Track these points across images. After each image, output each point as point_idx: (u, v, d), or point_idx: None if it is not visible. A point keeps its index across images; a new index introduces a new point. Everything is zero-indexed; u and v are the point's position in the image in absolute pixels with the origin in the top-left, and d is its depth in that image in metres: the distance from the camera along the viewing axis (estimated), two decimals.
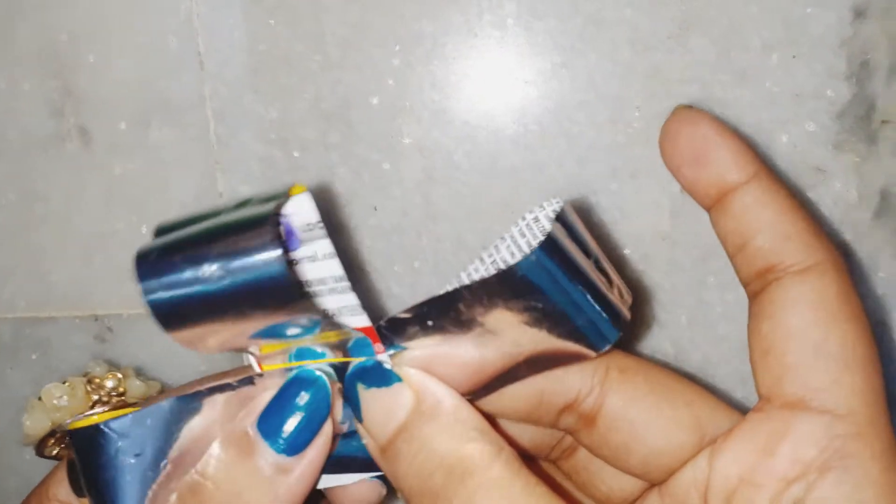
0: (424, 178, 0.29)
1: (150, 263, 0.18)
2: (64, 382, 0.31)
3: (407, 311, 0.19)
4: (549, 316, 0.18)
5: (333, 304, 0.20)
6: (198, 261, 0.17)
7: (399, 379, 0.19)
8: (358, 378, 0.20)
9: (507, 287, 0.18)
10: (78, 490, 0.22)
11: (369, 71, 0.29)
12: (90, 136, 0.31)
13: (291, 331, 0.19)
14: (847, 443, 0.18)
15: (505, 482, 0.17)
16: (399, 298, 0.31)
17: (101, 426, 0.20)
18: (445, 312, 0.19)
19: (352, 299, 0.20)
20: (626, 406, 0.21)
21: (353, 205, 0.30)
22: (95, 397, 0.31)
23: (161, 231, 0.19)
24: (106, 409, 0.25)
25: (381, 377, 0.20)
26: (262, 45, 0.29)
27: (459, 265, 0.30)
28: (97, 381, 0.30)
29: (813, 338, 0.19)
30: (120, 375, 0.31)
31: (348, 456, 0.22)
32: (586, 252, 0.20)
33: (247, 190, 0.31)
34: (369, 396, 0.19)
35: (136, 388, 0.31)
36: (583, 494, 0.23)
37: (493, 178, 0.29)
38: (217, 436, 0.20)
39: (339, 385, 0.20)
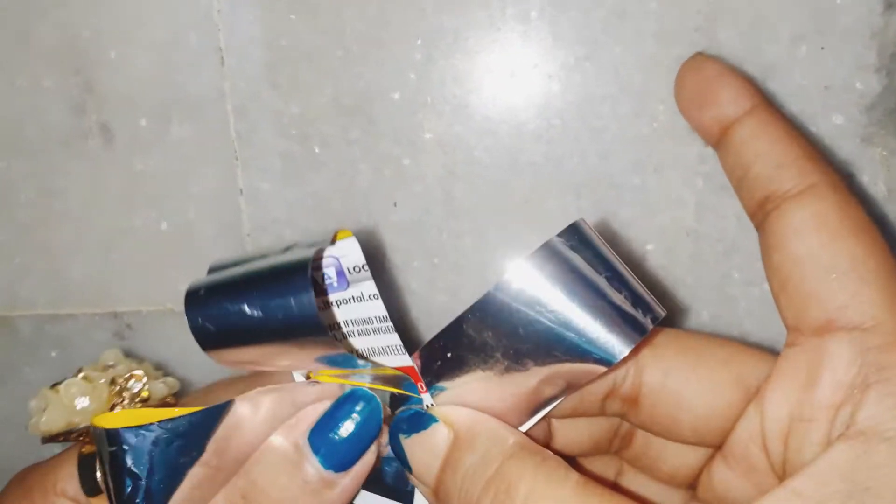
0: (445, 173, 0.29)
1: (198, 298, 0.20)
2: (79, 373, 0.31)
3: (424, 347, 0.20)
4: (544, 337, 0.19)
5: (377, 343, 0.21)
6: (240, 300, 0.19)
7: (436, 420, 0.20)
8: (398, 430, 0.20)
9: (495, 310, 0.19)
10: (89, 488, 0.22)
11: (390, 66, 0.29)
12: (111, 132, 0.31)
13: (342, 361, 0.20)
14: (881, 355, 0.17)
15: (553, 485, 0.17)
16: (418, 295, 0.31)
17: (130, 429, 0.20)
18: (457, 339, 0.19)
19: (394, 339, 0.21)
20: (664, 379, 0.21)
21: (374, 201, 0.30)
22: (118, 400, 0.31)
23: (213, 269, 0.21)
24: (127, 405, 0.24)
25: (418, 423, 0.20)
26: (282, 40, 0.29)
27: (479, 262, 0.30)
28: (120, 381, 0.30)
29: (823, 260, 0.19)
30: (144, 378, 0.30)
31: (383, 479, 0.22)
32: (597, 269, 0.20)
33: (267, 186, 0.30)
34: (411, 443, 0.20)
35: (157, 389, 0.31)
36: (651, 478, 0.23)
37: (514, 174, 0.29)
38: (262, 433, 0.20)
39: (388, 410, 0.21)
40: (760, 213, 0.20)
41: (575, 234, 0.20)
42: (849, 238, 0.19)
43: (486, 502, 0.18)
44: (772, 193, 0.20)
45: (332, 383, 0.21)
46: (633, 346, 0.19)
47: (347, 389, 0.21)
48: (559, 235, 0.20)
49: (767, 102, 0.21)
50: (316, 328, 0.18)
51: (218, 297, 0.20)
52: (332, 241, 0.21)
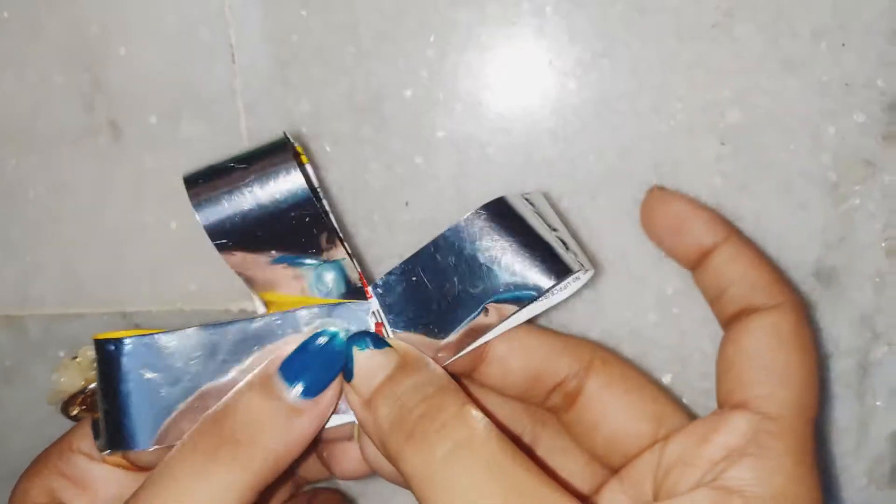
0: (458, 172, 0.29)
1: (198, 183, 0.23)
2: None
3: (397, 268, 0.24)
4: (494, 261, 0.23)
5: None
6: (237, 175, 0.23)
7: (389, 345, 0.23)
8: (353, 342, 0.23)
9: (463, 237, 0.23)
10: (101, 442, 0.24)
11: (403, 62, 0.28)
12: (120, 129, 0.31)
13: (305, 262, 0.24)
14: (768, 438, 0.21)
15: (474, 420, 0.21)
16: None
17: (125, 339, 0.22)
18: (426, 262, 0.24)
19: (346, 249, 0.24)
20: (600, 389, 0.25)
21: (385, 199, 0.29)
22: None
23: (188, 179, 0.23)
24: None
25: (374, 342, 0.23)
26: (293, 37, 0.29)
27: None
28: None
29: (765, 360, 0.22)
30: None
31: None
32: (549, 225, 0.24)
33: None
34: (362, 356, 0.23)
35: None
36: (567, 448, 0.26)
37: (529, 173, 0.28)
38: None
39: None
40: (732, 323, 0.24)
41: (537, 198, 0.25)
42: (792, 351, 0.22)
43: (419, 412, 0.21)
44: (744, 308, 0.23)
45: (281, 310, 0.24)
46: (555, 282, 0.23)
47: (318, 330, 0.23)
48: (523, 195, 0.25)
49: (737, 230, 0.25)
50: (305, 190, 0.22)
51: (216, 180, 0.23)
52: (303, 174, 0.23)
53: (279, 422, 0.22)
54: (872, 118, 0.26)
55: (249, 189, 0.22)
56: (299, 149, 0.24)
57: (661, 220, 0.25)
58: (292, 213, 0.22)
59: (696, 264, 0.25)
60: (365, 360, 0.22)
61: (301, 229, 0.23)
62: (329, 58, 0.29)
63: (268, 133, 0.30)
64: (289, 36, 0.29)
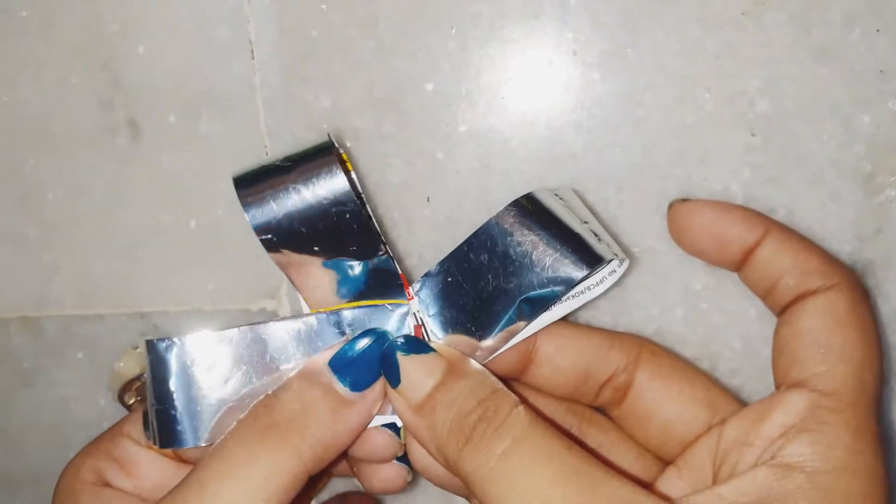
0: (480, 167, 0.28)
1: (247, 183, 0.24)
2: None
3: (434, 269, 0.24)
4: (526, 255, 0.23)
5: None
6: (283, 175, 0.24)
7: (434, 350, 0.23)
8: (397, 347, 0.23)
9: (495, 234, 0.24)
10: (150, 434, 0.24)
11: (424, 56, 0.28)
12: (139, 128, 0.31)
13: (348, 263, 0.25)
14: (826, 413, 0.21)
15: (529, 418, 0.21)
16: None
17: (174, 339, 0.23)
18: (460, 262, 0.24)
19: (388, 250, 0.25)
20: (651, 379, 0.25)
21: (406, 196, 0.29)
22: None
23: (238, 180, 0.24)
24: None
25: (417, 347, 0.23)
26: (313, 32, 0.28)
27: None
28: None
29: (819, 338, 0.22)
30: None
31: None
32: (577, 216, 0.25)
33: None
34: (408, 361, 0.23)
35: None
36: (617, 440, 0.26)
37: (552, 167, 0.28)
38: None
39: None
40: (787, 311, 0.24)
41: (566, 193, 0.26)
42: (847, 327, 0.22)
43: (476, 416, 0.21)
44: (799, 295, 0.23)
45: (326, 311, 0.24)
46: (587, 272, 0.23)
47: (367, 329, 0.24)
48: (551, 190, 0.25)
49: (775, 221, 0.24)
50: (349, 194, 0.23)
51: (262, 181, 0.24)
52: (345, 174, 0.24)
53: (328, 411, 0.22)
54: None
55: (294, 187, 0.23)
56: (344, 156, 0.25)
57: (696, 234, 0.25)
58: (333, 210, 0.23)
59: (740, 265, 0.25)
60: (412, 365, 0.23)
61: (343, 229, 0.24)
62: (349, 52, 0.28)
63: (287, 130, 0.29)
64: (308, 31, 0.28)
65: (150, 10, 0.30)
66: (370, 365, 0.23)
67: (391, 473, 0.25)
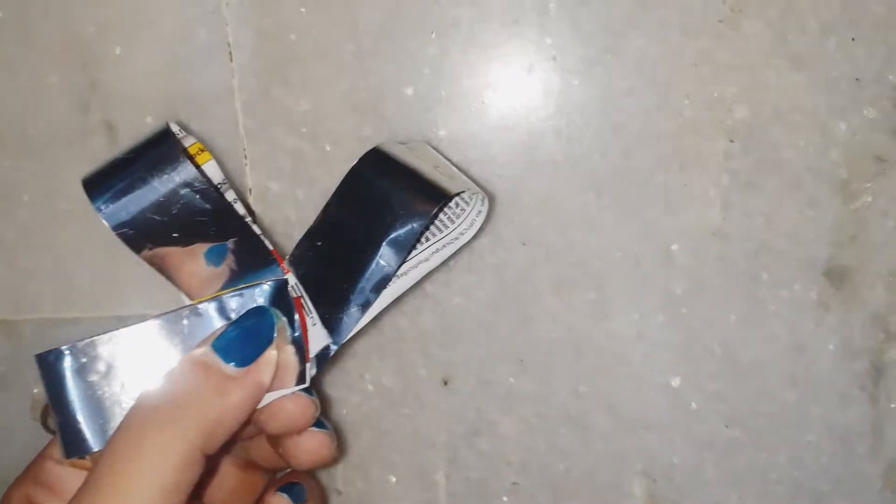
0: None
1: (95, 183, 0.24)
2: None
3: (302, 239, 0.25)
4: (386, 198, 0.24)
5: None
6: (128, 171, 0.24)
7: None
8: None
9: (353, 186, 0.25)
10: (61, 451, 0.24)
11: (404, 60, 0.28)
12: (116, 130, 0.30)
13: (219, 251, 0.25)
14: None
15: None
16: (432, 297, 0.30)
17: (63, 348, 0.23)
18: (324, 225, 0.25)
19: (258, 229, 0.25)
20: None
21: None
22: None
23: (86, 182, 0.24)
24: None
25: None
26: (292, 35, 0.28)
27: (497, 263, 0.29)
28: None
29: None
30: None
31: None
32: (433, 164, 0.25)
33: (275, 186, 0.30)
34: None
35: None
36: None
37: (532, 172, 0.28)
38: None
39: (285, 320, 0.24)
40: None
41: (417, 145, 0.26)
42: None
43: None
44: None
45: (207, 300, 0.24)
46: (439, 205, 0.24)
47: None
48: (400, 142, 0.26)
49: None
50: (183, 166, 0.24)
51: (111, 180, 0.24)
52: (188, 157, 0.24)
53: (211, 389, 0.22)
54: (883, 113, 0.26)
55: (141, 177, 0.24)
56: (199, 146, 0.25)
57: None
58: (182, 192, 0.24)
59: None
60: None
61: (198, 210, 0.24)
62: (328, 56, 0.28)
63: (265, 133, 0.29)
64: (287, 34, 0.28)
65: (127, 11, 0.29)
66: (254, 340, 0.23)
67: (314, 442, 0.25)
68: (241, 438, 0.27)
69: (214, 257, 0.25)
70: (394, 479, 0.31)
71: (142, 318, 0.32)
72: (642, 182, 0.27)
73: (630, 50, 0.26)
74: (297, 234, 0.30)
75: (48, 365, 0.23)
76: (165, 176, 0.24)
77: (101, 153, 0.30)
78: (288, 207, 0.30)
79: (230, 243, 0.25)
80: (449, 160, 0.27)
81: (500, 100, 0.28)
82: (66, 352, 0.23)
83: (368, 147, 0.28)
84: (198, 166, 0.24)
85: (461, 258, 0.29)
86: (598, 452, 0.30)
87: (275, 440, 0.26)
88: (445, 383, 0.30)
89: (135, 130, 0.30)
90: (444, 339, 0.30)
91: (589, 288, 0.28)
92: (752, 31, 0.26)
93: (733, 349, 0.28)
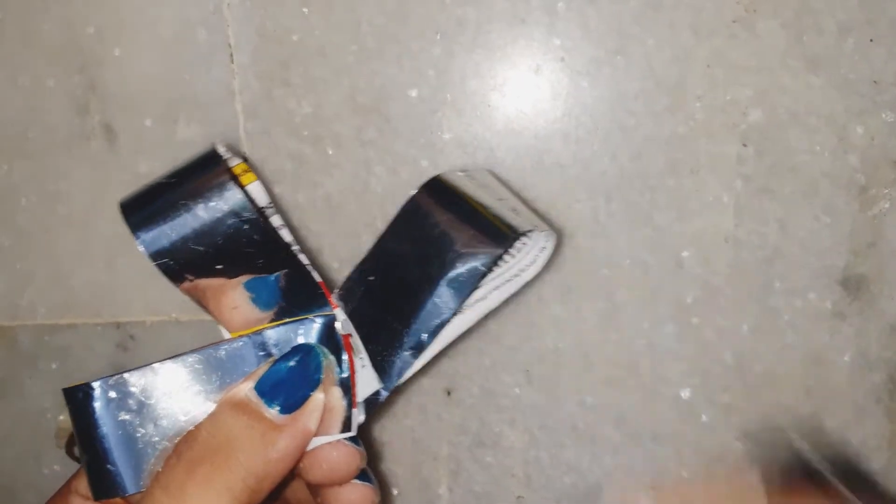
0: (465, 176, 0.28)
1: (134, 208, 0.22)
2: None
3: (354, 272, 0.23)
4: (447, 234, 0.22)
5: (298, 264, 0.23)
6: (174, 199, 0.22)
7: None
8: None
9: (410, 220, 0.23)
10: (92, 493, 0.23)
11: (408, 62, 0.27)
12: (115, 133, 0.30)
13: (265, 283, 0.23)
14: None
15: None
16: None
17: (93, 383, 0.21)
18: (378, 258, 0.23)
19: (306, 259, 0.23)
20: None
21: (389, 204, 0.28)
22: None
23: (125, 206, 0.23)
24: None
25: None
26: (294, 36, 0.28)
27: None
28: None
29: None
30: None
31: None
32: (491, 194, 0.24)
33: (277, 189, 0.29)
34: None
35: None
36: None
37: (539, 176, 0.27)
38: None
39: (333, 359, 0.23)
40: None
41: (479, 173, 0.25)
42: None
43: None
44: None
45: (245, 334, 0.23)
46: (506, 246, 0.22)
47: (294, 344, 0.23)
48: (461, 171, 0.24)
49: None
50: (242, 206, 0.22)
51: (155, 205, 0.22)
52: (234, 180, 0.22)
53: (257, 438, 0.21)
54: None
55: (184, 204, 0.22)
56: (243, 166, 0.23)
57: None
58: (230, 223, 0.22)
59: None
60: None
61: (245, 241, 0.22)
62: (331, 57, 0.27)
63: (267, 136, 0.29)
64: (289, 35, 0.28)
65: (127, 12, 0.29)
66: (300, 383, 0.22)
67: (356, 496, 0.24)
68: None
69: (262, 294, 0.23)
70: (396, 492, 0.30)
71: (139, 326, 0.31)
72: (652, 187, 0.26)
73: (640, 51, 0.26)
74: (298, 236, 0.29)
75: (77, 402, 0.21)
76: (212, 204, 0.22)
77: (100, 156, 0.30)
78: (289, 212, 0.29)
79: (277, 276, 0.23)
80: (511, 190, 0.25)
81: (507, 102, 0.27)
82: (97, 387, 0.21)
83: (371, 152, 0.28)
84: (243, 188, 0.22)
85: None
86: (605, 466, 0.29)
87: (314, 487, 0.24)
88: (449, 393, 0.29)
89: (134, 133, 0.29)
90: (447, 347, 0.29)
91: (597, 296, 0.27)
92: (767, 32, 0.25)
93: (745, 360, 0.27)
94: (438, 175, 0.23)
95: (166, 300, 0.31)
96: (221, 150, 0.23)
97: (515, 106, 0.27)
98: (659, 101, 0.26)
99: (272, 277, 0.23)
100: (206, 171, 0.22)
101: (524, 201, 0.25)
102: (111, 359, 0.32)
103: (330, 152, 0.28)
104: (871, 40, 0.25)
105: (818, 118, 0.25)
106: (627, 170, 0.26)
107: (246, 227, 0.22)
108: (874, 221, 0.26)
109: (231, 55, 0.28)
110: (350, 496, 0.23)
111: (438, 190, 0.23)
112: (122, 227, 0.30)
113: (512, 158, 0.27)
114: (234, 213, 0.22)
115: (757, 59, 0.25)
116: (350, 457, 0.23)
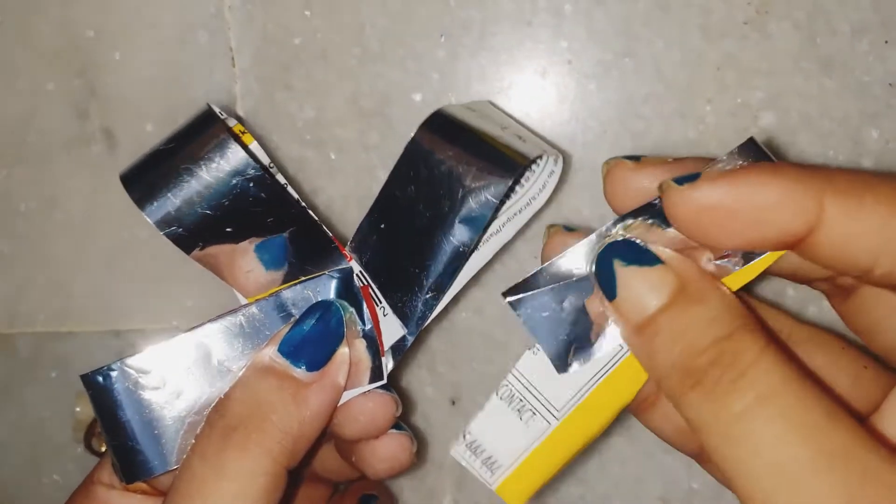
0: None
1: (135, 178, 0.22)
2: None
3: (363, 222, 0.23)
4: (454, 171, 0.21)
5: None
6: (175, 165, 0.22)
7: (661, 262, 0.19)
8: (615, 254, 0.19)
9: (414, 161, 0.22)
10: (117, 472, 0.23)
11: (412, 64, 0.27)
12: (115, 138, 0.29)
13: (277, 242, 0.23)
14: None
15: (776, 368, 0.16)
16: (440, 313, 0.28)
17: (112, 365, 0.21)
18: (387, 205, 0.23)
19: (312, 216, 0.23)
20: (878, 294, 0.19)
21: None
22: None
23: (125, 178, 0.22)
24: None
25: (642, 256, 0.19)
26: (296, 39, 0.27)
27: (507, 275, 0.28)
28: None
29: None
30: None
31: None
32: (494, 122, 0.23)
33: None
34: (629, 272, 0.19)
35: None
36: (863, 340, 0.21)
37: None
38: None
39: (353, 311, 0.22)
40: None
41: (480, 105, 0.24)
42: None
43: (705, 360, 0.17)
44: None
45: (263, 297, 0.22)
46: (517, 174, 0.21)
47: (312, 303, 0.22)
48: (462, 104, 0.23)
49: (838, 177, 0.17)
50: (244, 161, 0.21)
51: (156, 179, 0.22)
52: (235, 138, 0.22)
53: (288, 399, 0.21)
54: None
55: (186, 167, 0.21)
56: (240, 127, 0.23)
57: (711, 232, 0.18)
58: (235, 182, 0.21)
59: (794, 245, 0.18)
60: (632, 277, 0.19)
61: (252, 200, 0.22)
62: (333, 60, 0.27)
63: (269, 140, 0.28)
64: (291, 38, 0.27)
65: (127, 15, 0.28)
66: (323, 340, 0.21)
67: (393, 446, 0.23)
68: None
69: (272, 254, 0.23)
70: (400, 502, 0.30)
71: (140, 334, 0.31)
72: None
73: (649, 53, 0.25)
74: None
75: (97, 386, 0.21)
76: (214, 164, 0.21)
77: (100, 161, 0.29)
78: None
79: (287, 234, 0.23)
80: (514, 118, 0.24)
81: (513, 105, 0.26)
82: (116, 368, 0.21)
83: (375, 157, 0.27)
84: (245, 147, 0.22)
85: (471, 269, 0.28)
86: (614, 477, 0.28)
87: (346, 448, 0.24)
88: (453, 403, 0.29)
89: (134, 138, 0.29)
90: (452, 356, 0.28)
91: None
92: (779, 34, 0.24)
93: None
94: (438, 110, 0.22)
95: (166, 308, 0.31)
96: (216, 109, 0.23)
97: (521, 109, 0.26)
98: (668, 104, 0.25)
99: (282, 236, 0.23)
100: (204, 131, 0.22)
101: (528, 128, 0.24)
102: None
103: (332, 157, 0.28)
104: (886, 42, 0.24)
105: (831, 121, 0.25)
106: None
107: (252, 185, 0.21)
108: None
109: (232, 58, 0.28)
110: (388, 447, 0.23)
111: (439, 125, 0.22)
112: (121, 234, 0.30)
113: None
114: (238, 172, 0.21)
115: (769, 61, 0.25)
116: (385, 405, 0.22)
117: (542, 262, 0.21)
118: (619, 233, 0.19)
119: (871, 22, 0.24)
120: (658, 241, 0.19)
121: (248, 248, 0.23)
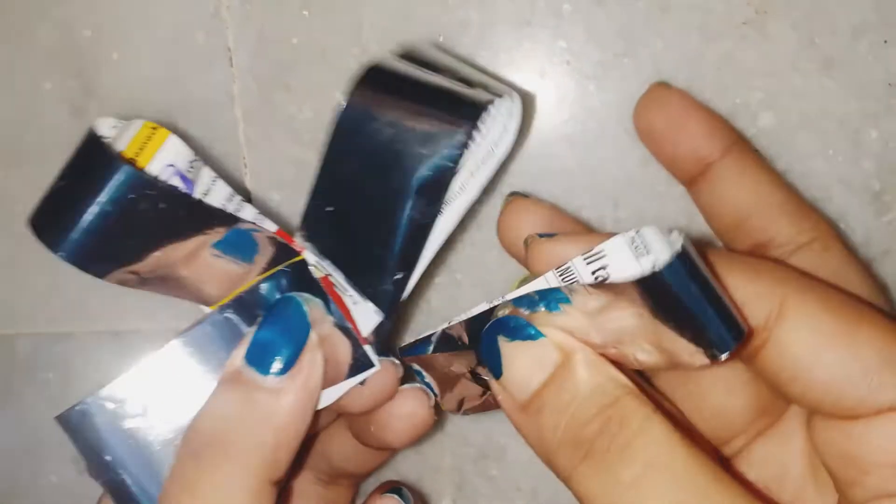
0: None
1: (42, 222, 0.20)
2: None
3: (308, 208, 0.21)
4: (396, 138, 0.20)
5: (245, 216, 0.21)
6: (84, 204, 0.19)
7: (543, 335, 0.19)
8: (499, 331, 0.19)
9: (350, 131, 0.20)
10: None
11: None
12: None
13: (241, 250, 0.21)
14: None
15: (664, 436, 0.17)
16: (438, 313, 0.28)
17: (86, 401, 0.20)
18: (329, 184, 0.21)
19: (253, 210, 0.21)
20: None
21: None
22: None
23: (34, 222, 0.20)
24: None
25: (523, 332, 0.19)
26: (294, 39, 0.27)
27: (505, 277, 0.28)
28: None
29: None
30: None
31: None
32: (442, 69, 0.21)
33: (277, 196, 0.29)
34: (513, 348, 0.19)
35: None
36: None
37: (545, 182, 0.27)
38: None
39: (318, 301, 0.21)
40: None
41: (419, 50, 0.22)
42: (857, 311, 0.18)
43: (595, 428, 0.17)
44: (767, 242, 0.21)
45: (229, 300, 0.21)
46: (468, 126, 0.19)
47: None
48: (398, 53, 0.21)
49: (744, 142, 0.21)
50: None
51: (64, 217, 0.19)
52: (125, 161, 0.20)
53: (257, 411, 0.20)
54: None
55: (86, 200, 0.19)
56: (151, 125, 0.21)
57: (657, 123, 0.22)
58: (142, 207, 0.19)
59: (692, 179, 0.22)
60: (516, 355, 0.19)
61: (174, 217, 0.19)
62: (332, 60, 0.27)
63: (267, 141, 0.28)
64: (289, 38, 0.27)
65: (124, 15, 0.28)
66: (288, 338, 0.20)
67: (408, 401, 0.22)
68: (316, 430, 0.25)
69: (235, 248, 0.21)
70: None
71: (138, 334, 0.31)
72: (661, 194, 0.26)
73: (648, 53, 0.25)
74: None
75: (75, 427, 0.20)
76: (113, 195, 0.19)
77: None
78: (291, 218, 0.29)
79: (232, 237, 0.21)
80: (460, 58, 0.22)
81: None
82: (90, 404, 0.20)
83: None
84: (139, 167, 0.20)
85: (469, 272, 0.28)
86: None
87: (362, 428, 0.23)
88: None
89: None
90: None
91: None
92: (778, 34, 0.24)
93: None
94: (368, 65, 0.20)
95: (165, 308, 0.31)
96: (105, 128, 0.20)
97: (520, 110, 0.26)
98: None
99: (236, 229, 0.21)
100: (93, 160, 0.20)
101: (477, 67, 0.22)
102: (110, 368, 0.31)
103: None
104: (886, 42, 0.24)
105: (831, 122, 0.25)
106: (635, 176, 0.26)
107: (163, 205, 0.19)
108: (890, 228, 0.25)
109: (230, 59, 0.28)
110: (404, 402, 0.22)
111: (372, 85, 0.19)
112: None
113: (517, 163, 0.27)
114: (143, 196, 0.19)
115: (768, 61, 0.25)
116: (385, 370, 0.22)
117: (498, 233, 0.21)
118: (504, 311, 0.19)
119: (871, 22, 0.24)
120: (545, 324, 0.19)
121: (199, 254, 0.21)
